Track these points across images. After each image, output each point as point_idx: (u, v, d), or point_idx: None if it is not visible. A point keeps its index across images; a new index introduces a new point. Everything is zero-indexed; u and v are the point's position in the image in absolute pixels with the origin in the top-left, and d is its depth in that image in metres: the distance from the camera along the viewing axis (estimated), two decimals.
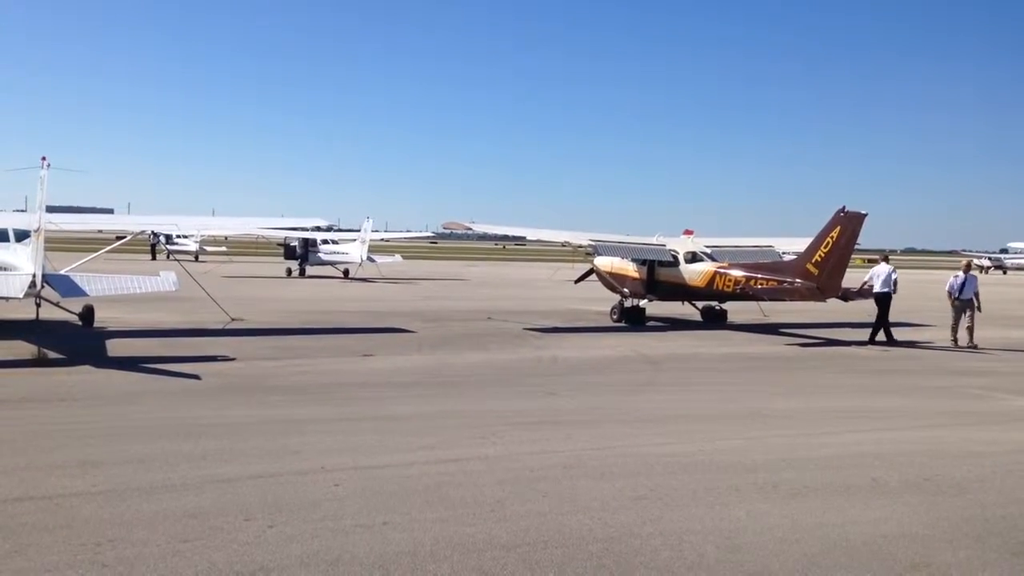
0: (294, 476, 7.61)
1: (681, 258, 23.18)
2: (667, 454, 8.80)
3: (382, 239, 54.22)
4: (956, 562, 6.00)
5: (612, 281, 24.66)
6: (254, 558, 5.69)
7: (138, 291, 17.39)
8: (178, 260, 28.25)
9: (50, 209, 16.84)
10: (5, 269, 16.03)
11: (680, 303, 24.33)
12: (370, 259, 43.03)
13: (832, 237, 19.83)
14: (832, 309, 23.66)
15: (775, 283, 21.03)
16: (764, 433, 10.02)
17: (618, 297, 24.14)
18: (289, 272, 43.41)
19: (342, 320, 22.09)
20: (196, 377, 12.73)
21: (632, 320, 23.07)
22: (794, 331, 22.10)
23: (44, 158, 17.45)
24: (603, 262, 25.04)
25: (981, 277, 19.36)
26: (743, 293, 21.88)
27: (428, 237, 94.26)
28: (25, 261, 15.83)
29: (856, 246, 20.70)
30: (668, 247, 23.61)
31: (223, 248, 62.91)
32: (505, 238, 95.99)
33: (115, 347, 15.89)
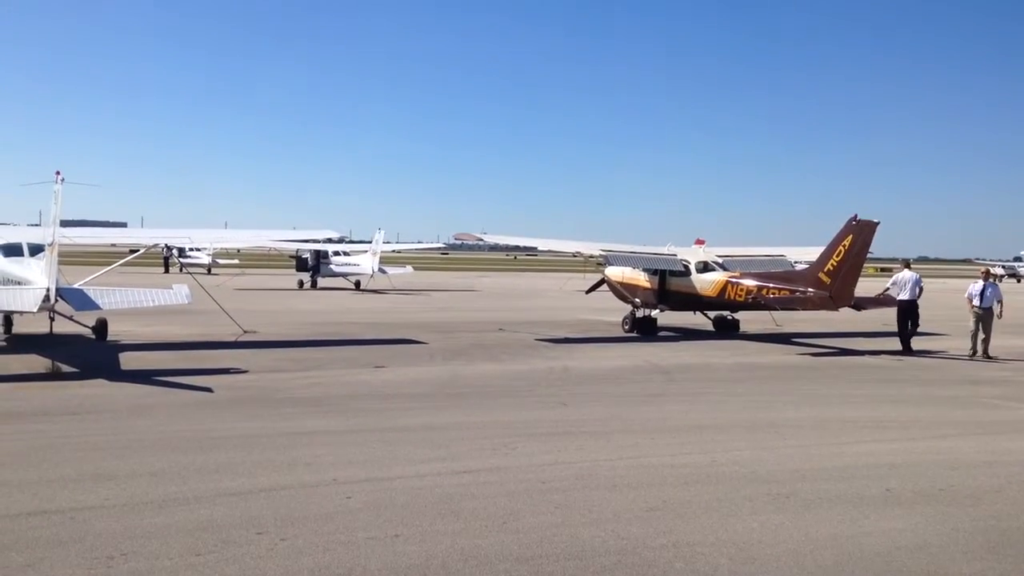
0: (306, 489, 7.61)
1: (693, 268, 23.13)
2: (680, 465, 8.77)
3: (393, 250, 54.43)
4: (971, 573, 5.95)
5: (624, 291, 24.63)
6: (266, 571, 5.69)
7: (151, 304, 17.45)
8: (191, 273, 28.37)
9: (64, 223, 16.94)
10: (19, 283, 16.12)
11: (692, 313, 24.28)
12: (382, 271, 43.12)
13: (844, 246, 19.75)
14: (845, 318, 23.57)
15: (787, 292, 20.96)
16: (777, 443, 9.97)
17: (630, 307, 24.10)
18: (301, 284, 43.53)
19: (354, 332, 22.13)
20: (209, 390, 12.77)
21: (644, 330, 23.03)
22: (807, 340, 22.01)
23: (58, 172, 17.54)
24: (614, 272, 25.01)
25: (999, 285, 19.02)
26: (755, 303, 21.80)
27: (439, 248, 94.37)
28: (39, 275, 15.92)
29: (868, 255, 20.62)
30: (680, 257, 23.57)
31: (235, 261, 63.13)
32: (516, 249, 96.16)
33: (128, 360, 15.96)
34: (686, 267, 23.16)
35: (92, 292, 16.59)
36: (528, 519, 6.89)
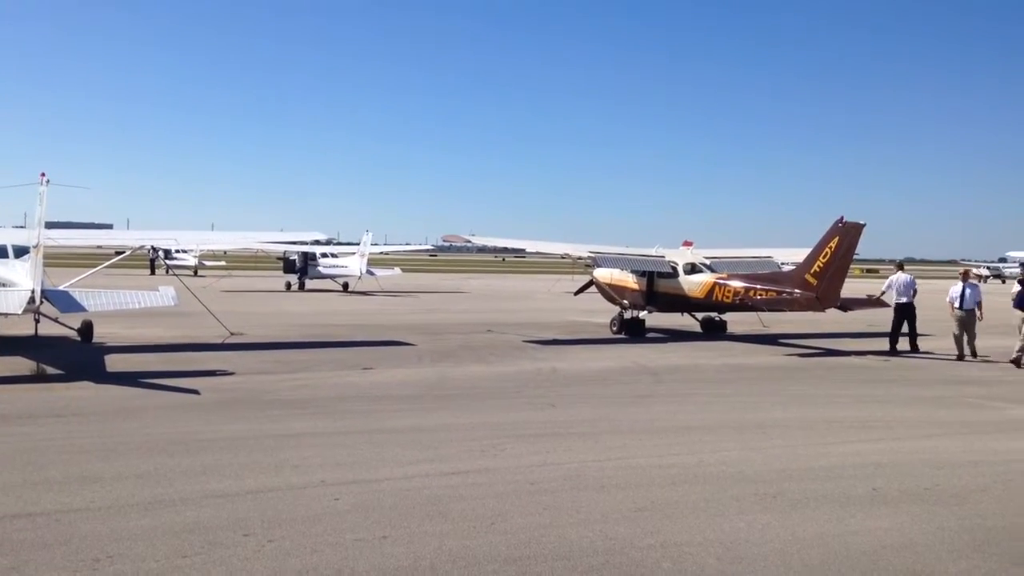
0: (293, 490, 7.59)
1: (680, 269, 23.19)
2: (667, 465, 8.79)
3: (381, 252, 54.25)
4: (957, 572, 5.98)
5: (612, 293, 24.67)
6: (253, 573, 5.67)
7: (137, 306, 17.39)
8: (177, 275, 28.28)
9: (49, 225, 16.84)
10: (4, 285, 16.03)
11: (680, 314, 24.33)
12: (369, 272, 43.03)
13: (831, 247, 19.85)
14: (831, 319, 23.66)
15: (774, 294, 21.04)
16: (764, 444, 10.01)
17: (618, 309, 24.14)
18: (288, 286, 43.41)
19: (342, 334, 22.08)
20: (195, 392, 12.72)
21: (632, 332, 23.06)
22: (794, 341, 22.09)
23: (43, 174, 17.46)
24: (603, 274, 25.05)
25: (983, 286, 19.00)
26: (742, 304, 21.87)
27: (427, 250, 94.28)
28: (24, 277, 15.84)
29: (854, 256, 20.72)
30: (667, 258, 23.62)
31: (222, 262, 62.93)
32: (504, 250, 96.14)
33: (114, 362, 15.88)
34: (674, 269, 23.22)
35: (77, 294, 16.52)
36: (516, 520, 6.89)
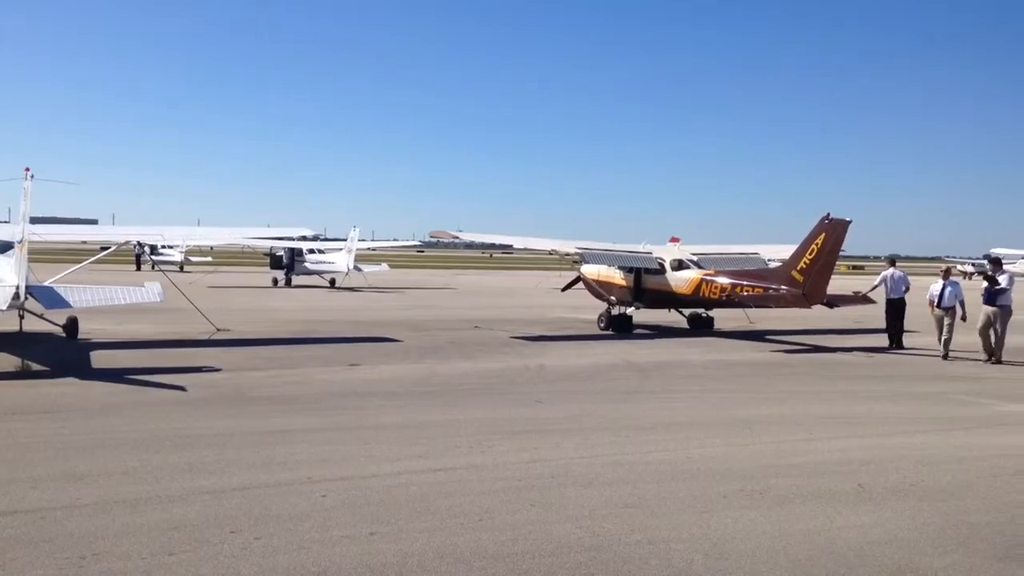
0: (280, 487, 7.57)
1: (668, 266, 23.23)
2: (654, 462, 8.81)
3: (369, 248, 54.18)
4: (942, 567, 6.02)
5: (599, 289, 24.69)
6: (240, 570, 5.65)
7: (123, 302, 17.28)
8: (163, 271, 28.14)
9: (34, 220, 16.73)
10: None
11: (667, 311, 24.38)
12: (357, 268, 42.95)
13: (817, 244, 19.92)
14: (818, 316, 23.75)
15: (761, 290, 21.10)
16: (751, 440, 10.04)
17: (605, 305, 24.17)
18: (275, 282, 43.29)
19: (329, 330, 22.03)
20: (182, 388, 12.66)
21: (619, 328, 23.10)
22: (780, 338, 22.18)
23: (27, 169, 17.35)
24: (590, 270, 25.07)
25: (964, 283, 18.92)
26: (729, 300, 21.93)
27: (415, 246, 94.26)
28: (8, 273, 15.73)
29: (841, 252, 20.80)
30: (655, 255, 23.65)
31: (208, 258, 62.71)
32: (492, 247, 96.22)
33: (100, 359, 15.80)
34: (661, 265, 23.25)
35: (63, 290, 16.42)
36: (504, 517, 6.89)
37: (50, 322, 17.73)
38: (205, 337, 19.35)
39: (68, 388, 12.79)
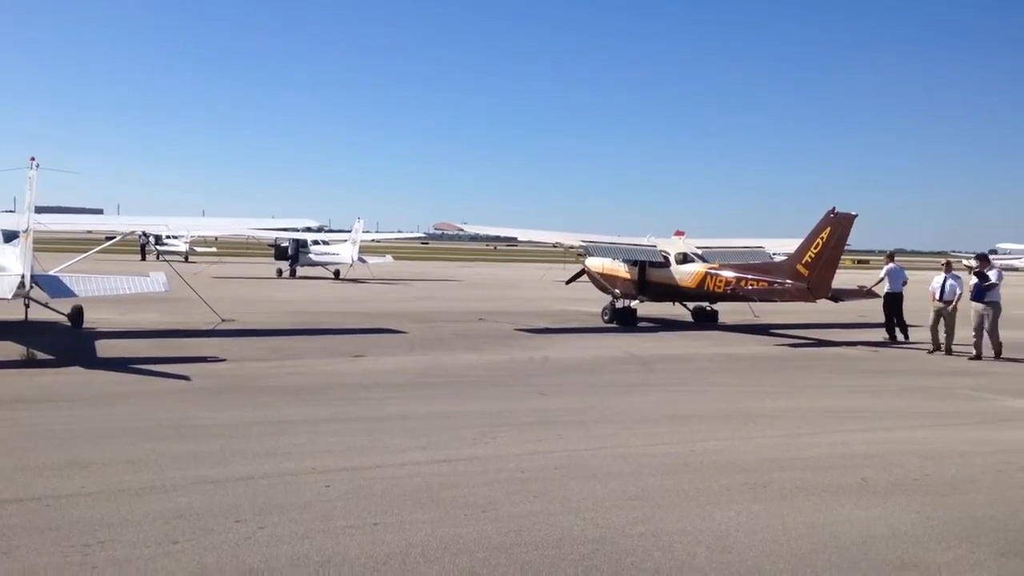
0: (285, 477, 7.59)
1: (672, 259, 23.20)
2: (658, 454, 8.81)
3: (373, 240, 54.15)
4: (946, 562, 6.02)
5: (603, 282, 24.68)
6: (244, 560, 5.67)
7: (127, 292, 17.31)
8: (168, 261, 28.16)
9: (39, 210, 16.77)
10: None
11: (671, 304, 24.36)
12: (361, 260, 42.94)
13: (822, 238, 19.88)
14: (822, 310, 23.72)
15: (765, 284, 21.07)
16: (755, 433, 10.04)
17: (609, 298, 24.15)
18: (280, 273, 43.32)
19: (333, 321, 22.05)
20: (186, 378, 12.69)
21: (623, 321, 23.08)
22: (784, 331, 22.15)
23: (33, 158, 17.39)
24: (594, 263, 25.05)
25: (970, 278, 18.62)
26: (733, 294, 21.91)
27: (419, 238, 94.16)
28: (14, 262, 15.76)
29: (846, 247, 20.77)
30: (659, 248, 23.62)
31: (213, 249, 62.75)
32: (496, 239, 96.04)
33: (104, 348, 15.83)
34: (666, 258, 23.23)
35: (68, 279, 16.43)
36: (507, 508, 6.90)
37: (55, 311, 17.77)
38: (210, 327, 19.38)
39: (73, 377, 12.83)
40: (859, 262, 78.81)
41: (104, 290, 16.72)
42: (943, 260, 19.82)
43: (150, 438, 8.88)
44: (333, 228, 63.67)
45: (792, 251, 21.50)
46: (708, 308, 24.15)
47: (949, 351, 18.28)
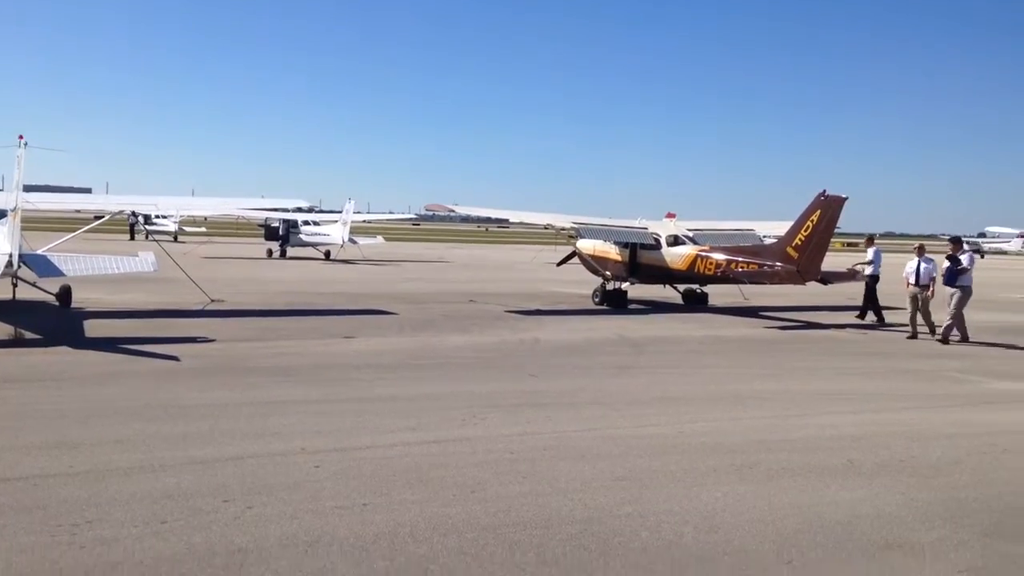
0: (274, 457, 7.59)
1: (663, 241, 23.22)
2: (647, 436, 8.85)
3: (364, 221, 54.06)
4: (929, 542, 6.07)
5: (594, 264, 24.68)
6: (233, 539, 5.68)
7: (116, 272, 17.23)
8: (157, 240, 28.05)
9: (27, 188, 16.66)
10: None
11: (662, 286, 24.39)
12: (352, 241, 42.88)
13: (812, 220, 19.91)
14: (812, 292, 23.80)
15: (756, 266, 21.12)
16: (743, 415, 10.09)
17: (600, 280, 24.17)
18: (270, 253, 43.21)
19: (323, 302, 22.02)
20: (175, 358, 12.66)
21: (614, 303, 23.11)
22: (774, 314, 22.22)
23: (21, 136, 17.26)
24: (585, 245, 25.06)
25: (935, 262, 18.39)
26: (724, 276, 21.95)
27: (410, 219, 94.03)
28: (1, 241, 15.66)
29: (836, 230, 20.81)
30: (650, 230, 23.64)
31: (202, 229, 62.49)
32: (488, 220, 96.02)
33: (93, 328, 15.77)
34: (657, 240, 23.24)
35: (56, 258, 16.35)
36: (496, 488, 6.93)
37: (43, 291, 17.69)
38: (199, 307, 19.33)
39: (61, 357, 12.79)
40: (849, 245, 78.94)
41: (92, 270, 16.63)
42: (916, 244, 19.66)
43: (138, 418, 8.87)
44: (324, 208, 63.47)
45: (782, 234, 21.53)
46: (698, 290, 24.21)
47: (932, 330, 18.15)
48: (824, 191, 20.14)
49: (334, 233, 42.96)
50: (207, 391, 10.58)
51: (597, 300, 23.54)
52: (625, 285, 23.58)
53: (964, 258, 17.71)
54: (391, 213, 68.73)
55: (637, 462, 7.82)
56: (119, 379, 11.16)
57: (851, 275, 22.06)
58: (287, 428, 8.66)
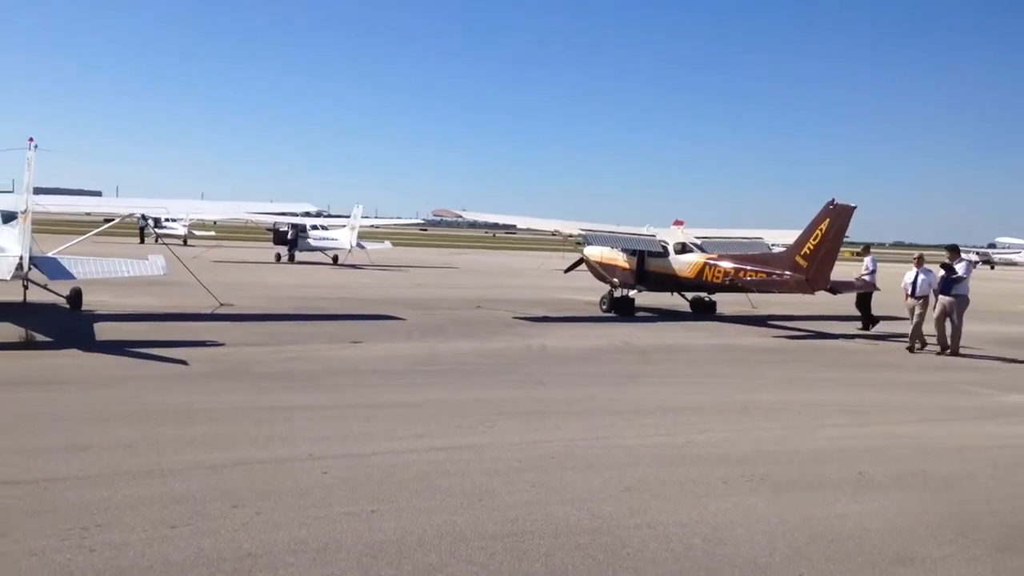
0: (282, 463, 7.59)
1: (671, 249, 23.19)
2: (655, 445, 8.83)
3: (372, 226, 54.07)
4: (941, 556, 6.04)
5: (602, 271, 24.66)
6: (241, 544, 5.68)
7: (126, 275, 17.26)
8: (166, 244, 28.08)
9: (37, 191, 16.70)
10: None
11: (669, 294, 24.35)
12: (359, 246, 42.92)
13: (821, 229, 19.86)
14: (820, 301, 23.73)
15: (764, 275, 21.06)
16: (752, 426, 10.05)
17: (608, 287, 24.14)
18: (278, 258, 43.28)
19: (331, 307, 22.03)
20: (184, 362, 12.68)
21: (621, 310, 23.07)
22: (782, 323, 22.16)
23: (31, 139, 17.31)
24: (593, 252, 25.03)
25: (933, 272, 18.15)
26: (732, 284, 21.90)
27: (418, 224, 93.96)
28: (12, 243, 15.71)
29: (845, 239, 20.75)
30: (658, 238, 23.60)
31: (212, 233, 62.65)
32: (495, 226, 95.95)
33: (103, 331, 15.81)
34: (664, 248, 23.21)
35: (66, 261, 16.39)
36: (504, 497, 6.91)
37: (54, 293, 17.74)
38: (208, 311, 19.35)
39: (71, 360, 12.82)
40: (857, 254, 78.68)
41: (103, 273, 16.67)
42: (915, 254, 19.44)
43: (148, 422, 8.88)
44: (332, 213, 63.52)
45: (791, 242, 21.49)
46: (706, 299, 24.14)
47: (923, 343, 17.85)
48: (833, 200, 20.10)
49: (342, 238, 43.01)
50: (216, 395, 10.59)
51: (604, 307, 23.51)
52: (633, 293, 23.55)
53: (960, 267, 17.49)
54: (399, 218, 68.61)
55: (646, 472, 7.80)
56: (129, 382, 11.18)
57: (861, 286, 21.97)
58: (295, 433, 8.66)
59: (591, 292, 25.77)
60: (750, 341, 18.81)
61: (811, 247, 19.97)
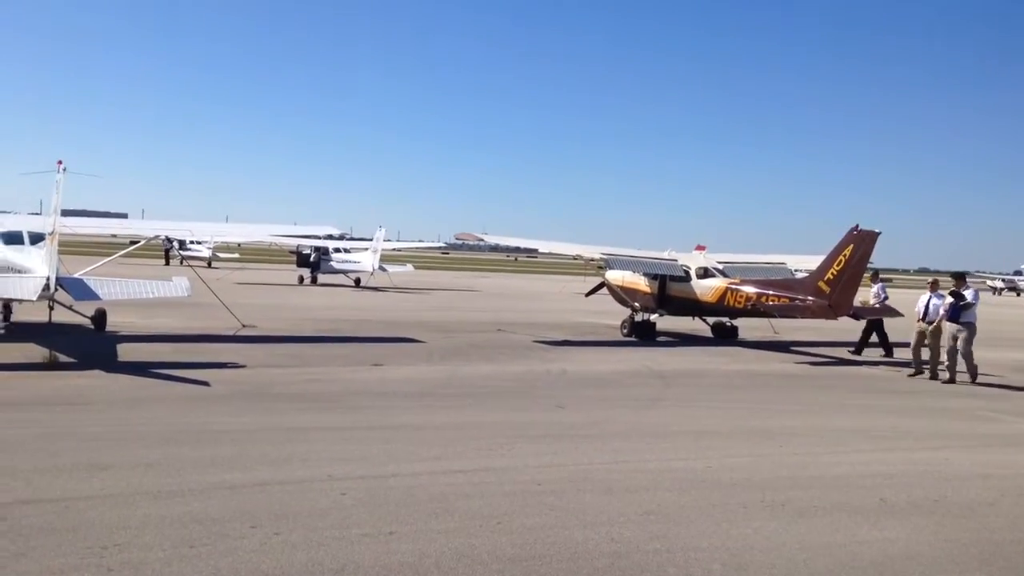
0: (301, 484, 7.61)
1: (693, 273, 23.13)
2: (675, 470, 8.77)
3: (394, 248, 54.40)
4: None
5: (623, 295, 24.62)
6: (259, 566, 5.69)
7: (150, 296, 17.42)
8: (191, 266, 28.34)
9: (65, 213, 16.93)
10: (19, 271, 16.12)
11: (691, 318, 24.27)
12: (382, 268, 43.11)
13: (845, 255, 19.76)
14: (843, 327, 23.56)
15: (787, 300, 20.96)
16: (773, 451, 9.97)
17: (629, 311, 24.10)
18: (301, 280, 43.53)
19: (352, 329, 22.12)
20: (206, 383, 12.76)
21: (642, 335, 23.01)
22: (805, 349, 22.01)
23: (60, 162, 17.58)
24: (614, 275, 25.01)
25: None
26: (754, 309, 21.80)
27: (440, 247, 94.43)
28: (39, 264, 15.91)
29: (868, 265, 20.64)
30: (680, 262, 23.56)
31: (236, 255, 63.13)
32: (517, 250, 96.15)
33: (126, 351, 15.96)
34: (686, 272, 23.16)
35: (92, 282, 16.57)
36: (522, 520, 6.89)
37: (79, 314, 17.92)
38: (230, 333, 19.49)
39: (94, 380, 12.93)
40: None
41: (127, 294, 16.83)
42: (930, 279, 19.19)
43: (168, 442, 8.94)
44: (355, 236, 63.91)
45: (814, 268, 21.38)
46: (728, 323, 24.04)
47: (935, 375, 17.44)
48: (857, 226, 20.02)
49: (364, 261, 43.23)
50: (236, 416, 10.65)
51: (625, 331, 23.47)
52: (654, 317, 23.49)
53: (968, 293, 17.26)
54: (421, 241, 69.01)
55: (665, 496, 7.75)
56: (150, 403, 11.26)
57: (883, 312, 21.78)
58: (314, 455, 8.68)
59: (612, 316, 25.73)
60: (772, 366, 18.69)
61: (834, 273, 19.87)
